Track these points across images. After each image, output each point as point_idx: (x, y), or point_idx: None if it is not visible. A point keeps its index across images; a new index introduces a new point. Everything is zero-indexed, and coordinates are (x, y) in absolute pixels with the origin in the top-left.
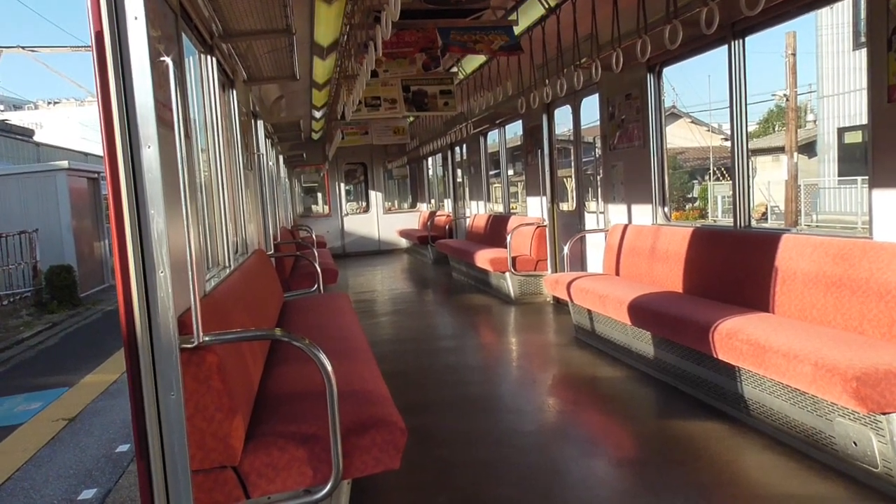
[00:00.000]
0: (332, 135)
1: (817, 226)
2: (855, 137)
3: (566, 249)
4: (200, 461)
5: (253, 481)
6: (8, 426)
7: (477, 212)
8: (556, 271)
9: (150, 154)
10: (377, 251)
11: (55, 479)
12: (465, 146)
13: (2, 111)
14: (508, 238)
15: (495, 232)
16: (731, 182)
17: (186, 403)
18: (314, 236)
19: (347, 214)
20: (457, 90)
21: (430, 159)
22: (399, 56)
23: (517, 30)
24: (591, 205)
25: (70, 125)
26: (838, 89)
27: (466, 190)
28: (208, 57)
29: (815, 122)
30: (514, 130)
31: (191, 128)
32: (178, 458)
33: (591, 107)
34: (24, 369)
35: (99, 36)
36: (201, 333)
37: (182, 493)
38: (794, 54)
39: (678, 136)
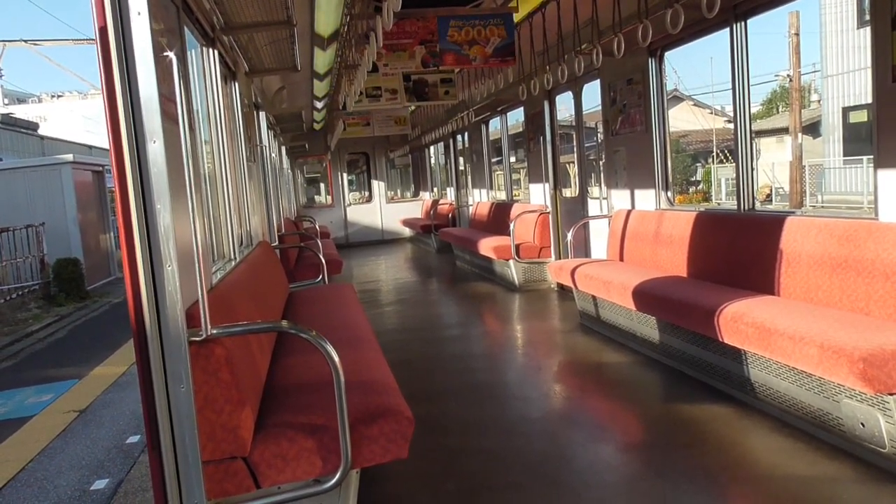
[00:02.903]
0: (333, 125)
1: (823, 206)
2: (860, 117)
3: (569, 236)
4: (211, 452)
5: (263, 471)
6: (20, 418)
7: (480, 200)
8: (559, 258)
9: (155, 149)
10: (381, 241)
11: (68, 469)
12: (466, 134)
13: (6, 105)
14: (512, 225)
15: (498, 220)
16: (734, 164)
17: (196, 395)
18: (318, 227)
19: (350, 204)
20: (457, 78)
21: (432, 148)
22: (399, 49)
23: (517, 17)
24: (594, 190)
25: (74, 118)
26: (843, 68)
27: (469, 178)
28: (210, 50)
29: (819, 101)
30: (516, 117)
31: (194, 121)
32: (188, 450)
33: (592, 92)
34: (33, 362)
35: (103, 32)
36: (209, 326)
37: (193, 483)
38: (797, 34)
39: (681, 119)
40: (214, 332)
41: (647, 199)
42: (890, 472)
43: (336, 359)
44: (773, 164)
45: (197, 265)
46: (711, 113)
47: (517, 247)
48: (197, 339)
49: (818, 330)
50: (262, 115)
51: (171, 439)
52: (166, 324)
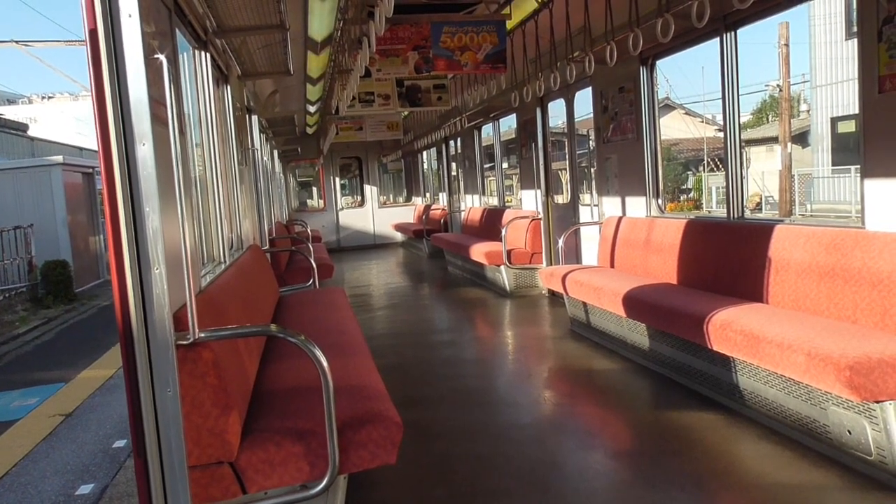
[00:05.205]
0: (326, 129)
1: (811, 215)
2: (848, 127)
3: (561, 242)
4: (197, 457)
5: (249, 477)
6: (4, 422)
7: (472, 205)
8: (551, 264)
9: (144, 152)
10: (372, 245)
11: (52, 474)
12: (459, 140)
13: None
14: (503, 231)
15: (490, 225)
16: (724, 173)
17: (183, 400)
18: (309, 231)
19: (342, 209)
20: (450, 84)
21: (424, 153)
22: (392, 54)
23: (510, 24)
24: (586, 197)
25: (64, 119)
26: (831, 79)
27: (461, 183)
28: (202, 53)
29: (808, 111)
30: (509, 123)
31: (185, 124)
32: (174, 454)
33: (584, 100)
34: (19, 365)
35: (93, 34)
36: (197, 330)
37: (179, 488)
38: (787, 45)
39: (672, 128)
40: (202, 335)
41: (637, 206)
42: (876, 479)
43: (324, 363)
44: (762, 172)
45: (185, 268)
46: (702, 121)
47: (509, 252)
48: (184, 342)
49: (806, 338)
50: (255, 118)
51: (157, 444)
52: (153, 327)
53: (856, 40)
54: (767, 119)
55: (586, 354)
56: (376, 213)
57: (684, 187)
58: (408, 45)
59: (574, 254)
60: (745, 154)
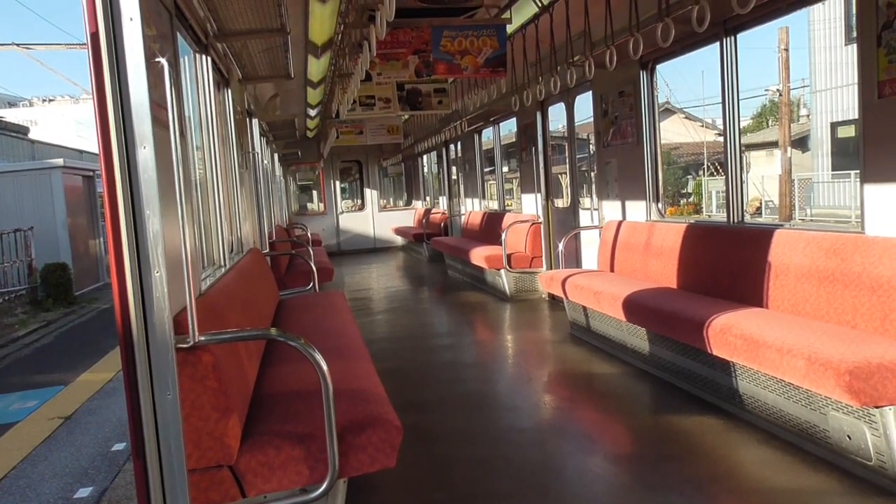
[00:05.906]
0: (327, 133)
1: (811, 220)
2: (848, 132)
3: (561, 246)
4: (197, 460)
5: (249, 480)
6: (3, 424)
7: (472, 209)
8: (551, 268)
9: (145, 154)
10: (373, 249)
11: (51, 477)
12: (459, 143)
13: None
14: (503, 235)
15: (490, 229)
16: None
17: (182, 403)
18: (309, 234)
19: (343, 212)
20: (451, 88)
21: (424, 157)
22: (392, 58)
23: (510, 28)
24: (586, 201)
25: (65, 122)
26: (831, 84)
27: (461, 187)
28: (203, 56)
29: (808, 116)
30: (509, 127)
31: (186, 127)
32: (174, 458)
33: (585, 104)
34: (19, 367)
35: (94, 37)
36: (197, 333)
37: (178, 492)
38: (786, 49)
39: (672, 132)
40: (202, 339)
41: (637, 210)
42: (875, 484)
43: (324, 367)
44: (762, 177)
45: (186, 271)
46: (702, 126)
47: (509, 256)
48: (184, 345)
49: (805, 342)
50: (255, 122)
51: (156, 447)
52: (153, 330)
53: (855, 45)
54: (767, 123)
55: (586, 358)
56: (376, 217)
57: (684, 191)
58: (408, 49)
59: (574, 258)
60: (745, 158)
